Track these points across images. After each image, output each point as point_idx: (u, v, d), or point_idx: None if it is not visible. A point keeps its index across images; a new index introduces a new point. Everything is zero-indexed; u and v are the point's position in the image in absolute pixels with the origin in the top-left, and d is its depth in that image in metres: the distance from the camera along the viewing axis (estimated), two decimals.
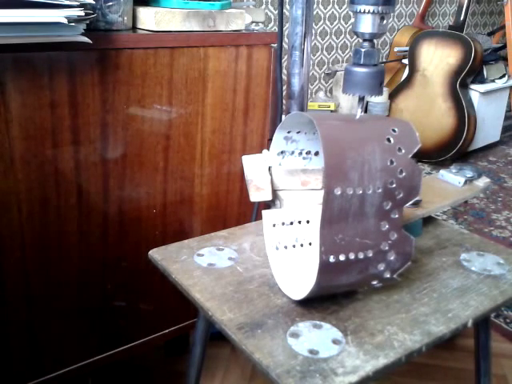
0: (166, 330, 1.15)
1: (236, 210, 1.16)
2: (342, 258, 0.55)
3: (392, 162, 0.56)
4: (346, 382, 0.51)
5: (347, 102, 2.73)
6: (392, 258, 0.57)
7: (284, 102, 0.95)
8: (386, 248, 0.57)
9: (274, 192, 0.71)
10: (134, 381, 1.25)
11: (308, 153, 0.70)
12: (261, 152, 0.77)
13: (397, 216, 0.57)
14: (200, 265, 0.71)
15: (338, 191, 0.52)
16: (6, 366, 0.95)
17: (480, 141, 2.83)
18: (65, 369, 1.02)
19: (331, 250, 0.54)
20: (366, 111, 2.75)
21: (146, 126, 0.96)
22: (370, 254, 0.56)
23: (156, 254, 0.74)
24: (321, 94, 2.74)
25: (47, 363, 1.00)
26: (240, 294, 0.65)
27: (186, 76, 0.97)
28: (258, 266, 0.71)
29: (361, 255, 0.56)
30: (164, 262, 0.72)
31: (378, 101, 2.71)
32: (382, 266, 0.58)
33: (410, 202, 0.58)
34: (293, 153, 0.69)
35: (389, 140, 0.56)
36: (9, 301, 0.92)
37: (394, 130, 0.57)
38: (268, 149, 0.72)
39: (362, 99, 0.71)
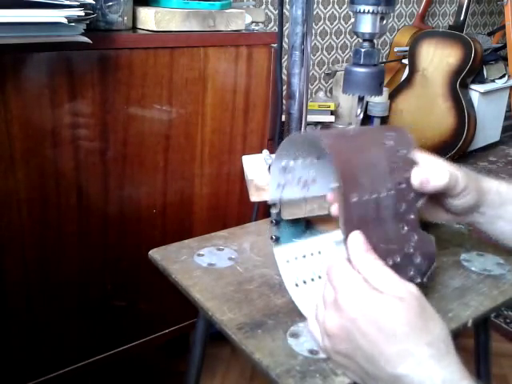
0: (166, 330, 1.15)
1: (236, 209, 1.16)
2: None
3: (396, 163, 0.56)
4: (346, 382, 0.51)
5: (347, 102, 2.73)
6: (418, 260, 0.56)
7: (284, 101, 0.95)
8: (411, 250, 0.55)
9: None
10: (134, 381, 1.25)
11: (305, 181, 0.69)
12: (261, 152, 0.77)
13: (413, 217, 0.56)
14: (200, 265, 0.71)
15: (354, 198, 0.52)
16: (6, 365, 0.95)
17: (480, 141, 2.83)
18: (65, 369, 1.02)
19: None
20: (366, 111, 2.75)
21: (145, 126, 0.96)
22: (398, 259, 0.54)
23: (156, 254, 0.74)
24: (321, 94, 2.74)
25: (47, 363, 1.00)
26: (240, 294, 0.65)
27: (185, 76, 0.97)
28: (258, 266, 0.71)
29: (390, 261, 0.54)
30: (164, 262, 0.71)
31: (378, 101, 2.71)
32: (411, 271, 0.56)
33: (422, 201, 0.57)
34: (290, 183, 0.68)
35: (386, 143, 0.57)
36: (9, 301, 0.92)
37: (388, 135, 0.58)
38: (268, 149, 0.71)
39: (361, 99, 0.71)
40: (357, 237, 0.51)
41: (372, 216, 0.53)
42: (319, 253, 0.64)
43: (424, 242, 0.57)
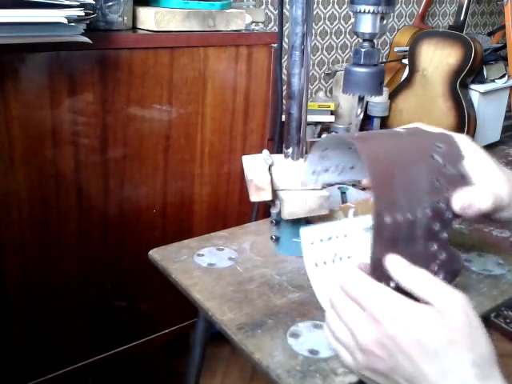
0: (166, 330, 1.15)
1: (236, 210, 1.16)
2: (392, 284, 0.51)
3: (438, 181, 0.53)
4: (346, 382, 0.51)
5: (347, 102, 2.73)
6: (441, 277, 0.54)
7: (284, 101, 0.95)
8: (436, 268, 0.54)
9: (274, 192, 0.71)
10: (134, 381, 1.25)
11: (343, 168, 0.67)
12: (261, 152, 0.77)
13: (445, 235, 0.54)
14: (200, 265, 0.71)
15: (387, 218, 0.50)
16: (6, 365, 0.95)
17: (480, 141, 2.83)
18: (65, 369, 1.02)
19: (382, 278, 0.51)
20: (366, 111, 2.75)
21: (145, 126, 0.96)
22: None
23: (156, 254, 0.74)
24: (321, 94, 2.74)
25: (47, 363, 1.00)
26: (240, 294, 0.65)
27: (185, 76, 0.97)
28: (258, 266, 0.71)
29: None
30: (164, 262, 0.71)
31: (378, 101, 2.71)
32: None
33: (459, 221, 0.55)
34: (327, 170, 0.67)
35: (433, 157, 0.54)
36: (9, 301, 0.92)
37: (438, 146, 0.55)
38: (268, 149, 0.71)
39: (361, 99, 0.71)
40: (395, 258, 0.49)
41: (404, 236, 0.51)
42: (345, 236, 0.64)
43: (451, 259, 0.55)
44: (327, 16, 2.73)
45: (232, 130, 1.08)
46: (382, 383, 0.47)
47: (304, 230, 0.62)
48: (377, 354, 0.45)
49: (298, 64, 0.71)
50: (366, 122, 2.85)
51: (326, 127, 2.66)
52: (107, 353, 1.07)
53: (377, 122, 2.81)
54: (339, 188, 0.89)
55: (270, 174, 0.70)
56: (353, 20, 0.67)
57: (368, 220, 0.55)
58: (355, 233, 0.63)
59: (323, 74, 2.86)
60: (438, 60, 2.62)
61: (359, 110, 0.73)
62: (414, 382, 0.44)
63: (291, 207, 0.70)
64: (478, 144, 0.58)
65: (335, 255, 0.63)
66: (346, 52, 2.88)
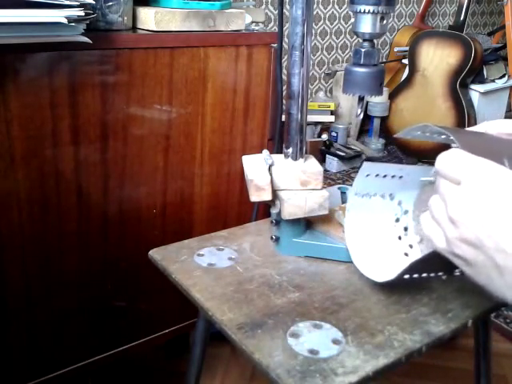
0: (166, 330, 1.15)
1: (236, 210, 1.16)
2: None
3: None
4: (346, 382, 0.51)
5: (347, 102, 2.73)
6: None
7: (284, 101, 0.95)
8: None
9: (274, 192, 0.71)
10: (134, 381, 1.25)
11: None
12: (261, 152, 0.77)
13: None
14: (200, 265, 0.71)
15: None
16: (6, 365, 0.95)
17: None
18: (65, 369, 1.02)
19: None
20: (366, 111, 2.76)
21: (146, 126, 0.96)
22: None
23: (156, 254, 0.74)
24: (321, 94, 2.74)
25: (47, 363, 1.00)
26: (240, 294, 0.65)
27: (185, 76, 0.97)
28: (258, 266, 0.71)
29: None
30: (164, 262, 0.72)
31: (378, 101, 2.71)
32: None
33: None
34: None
35: None
36: (9, 301, 0.92)
37: None
38: (268, 149, 0.71)
39: (361, 99, 0.71)
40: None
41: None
42: (400, 177, 0.65)
43: None
44: (327, 16, 2.73)
45: (232, 130, 1.08)
46: (471, 258, 0.45)
47: (366, 163, 0.65)
48: (467, 223, 0.44)
49: (298, 64, 0.71)
50: (366, 121, 2.86)
51: (326, 127, 2.66)
52: (107, 353, 1.07)
53: (377, 122, 2.81)
54: (339, 188, 0.89)
55: (270, 174, 0.70)
56: (353, 20, 0.67)
57: (429, 173, 0.56)
58: (411, 178, 0.64)
59: (323, 74, 2.86)
60: (438, 60, 2.62)
61: (359, 110, 0.73)
62: (505, 251, 0.41)
63: (291, 207, 0.70)
64: None
65: (380, 191, 0.66)
66: (346, 52, 2.89)
